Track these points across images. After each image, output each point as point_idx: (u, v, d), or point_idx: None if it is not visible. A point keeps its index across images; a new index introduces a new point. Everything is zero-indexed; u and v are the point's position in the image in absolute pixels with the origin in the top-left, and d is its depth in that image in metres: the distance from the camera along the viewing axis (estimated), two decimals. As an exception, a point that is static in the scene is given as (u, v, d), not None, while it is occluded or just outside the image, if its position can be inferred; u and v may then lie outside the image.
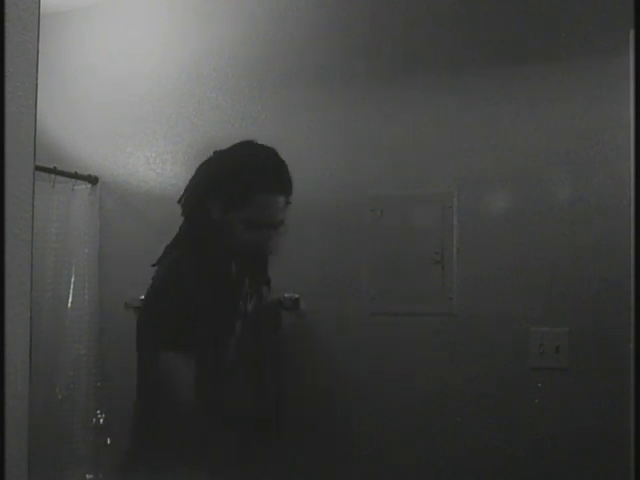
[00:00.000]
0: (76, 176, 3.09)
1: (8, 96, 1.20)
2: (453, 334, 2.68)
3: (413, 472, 2.67)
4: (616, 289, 2.41)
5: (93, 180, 3.14)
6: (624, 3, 1.77)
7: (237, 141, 2.43)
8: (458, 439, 2.63)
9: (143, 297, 2.29)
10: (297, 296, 2.73)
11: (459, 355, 2.66)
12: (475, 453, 2.60)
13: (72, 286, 3.09)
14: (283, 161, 2.27)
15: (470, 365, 2.64)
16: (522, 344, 2.60)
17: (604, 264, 2.49)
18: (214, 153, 2.31)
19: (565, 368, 2.56)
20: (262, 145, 2.29)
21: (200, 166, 2.33)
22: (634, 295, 2.05)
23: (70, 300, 3.08)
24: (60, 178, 3.04)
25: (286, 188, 2.26)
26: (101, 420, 3.04)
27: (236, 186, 2.19)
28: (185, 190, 2.34)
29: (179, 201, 2.34)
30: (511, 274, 2.62)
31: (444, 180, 2.72)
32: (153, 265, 2.28)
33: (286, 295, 2.71)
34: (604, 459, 2.42)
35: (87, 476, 3.03)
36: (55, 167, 2.97)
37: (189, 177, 3.05)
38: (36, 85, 1.27)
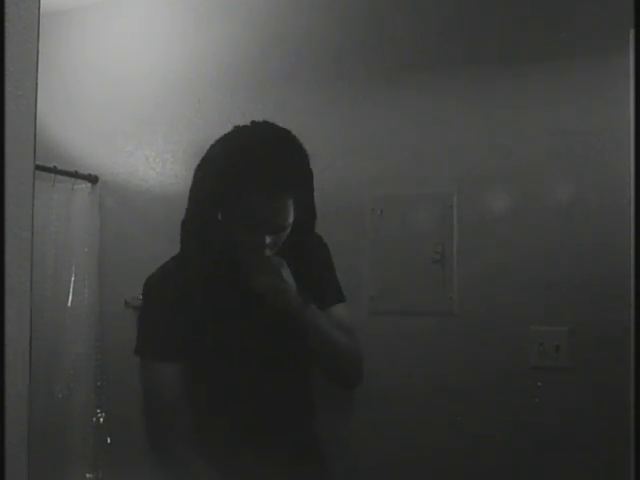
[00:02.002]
0: (76, 175, 3.09)
1: (8, 95, 1.20)
2: (453, 333, 2.68)
3: (412, 470, 2.67)
4: (616, 288, 2.41)
5: (93, 179, 3.14)
6: (624, 3, 1.77)
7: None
8: (458, 438, 2.63)
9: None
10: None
11: (459, 354, 2.66)
12: (475, 452, 2.61)
13: (72, 285, 3.09)
14: (289, 148, 1.91)
15: (470, 364, 2.64)
16: (522, 343, 2.60)
17: (604, 263, 2.49)
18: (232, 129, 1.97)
19: (565, 367, 2.56)
20: (267, 128, 1.95)
21: (210, 147, 1.96)
22: (634, 294, 2.04)
23: (70, 299, 3.08)
24: (60, 177, 3.04)
25: (284, 184, 1.86)
26: (101, 419, 3.04)
27: (222, 180, 1.87)
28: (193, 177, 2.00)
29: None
30: (511, 273, 2.62)
31: (444, 179, 2.72)
32: None
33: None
34: (604, 458, 2.42)
35: (87, 475, 3.03)
36: (55, 166, 2.97)
37: (189, 176, 3.06)
38: (36, 84, 1.27)
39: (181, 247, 2.02)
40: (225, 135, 1.95)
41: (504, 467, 2.58)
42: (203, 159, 1.95)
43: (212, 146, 1.95)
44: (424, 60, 2.77)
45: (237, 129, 1.96)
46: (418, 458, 2.66)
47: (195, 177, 1.97)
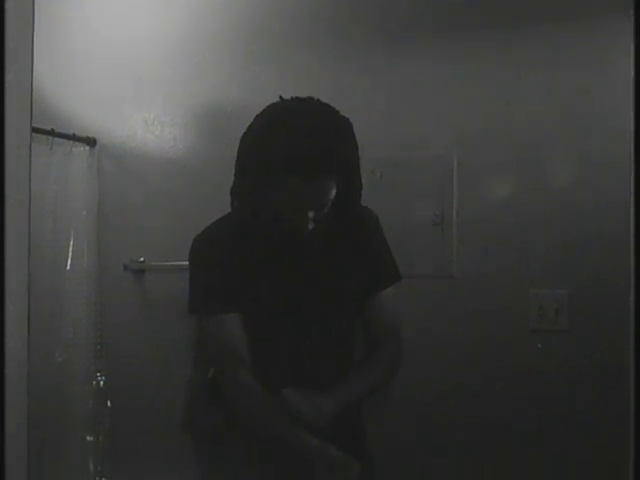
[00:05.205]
0: (74, 138, 3.07)
1: (6, 56, 1.19)
2: (452, 297, 2.69)
3: (411, 435, 2.69)
4: (615, 252, 2.41)
5: (91, 142, 3.12)
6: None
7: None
8: (457, 400, 2.64)
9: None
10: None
11: (458, 318, 2.66)
12: (474, 414, 2.62)
13: (71, 249, 3.08)
14: (327, 127, 1.86)
15: (470, 327, 2.65)
16: (521, 306, 2.60)
17: (604, 226, 2.48)
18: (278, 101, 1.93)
19: (564, 330, 2.57)
20: (307, 106, 1.90)
21: (256, 117, 1.92)
22: (634, 259, 2.04)
23: (69, 263, 3.07)
24: (58, 140, 3.02)
25: (321, 168, 1.79)
26: (101, 383, 3.05)
27: (262, 158, 1.84)
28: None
29: None
30: (510, 237, 2.62)
31: (444, 142, 2.71)
32: None
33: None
34: (602, 420, 2.43)
35: (87, 438, 3.05)
36: (53, 129, 2.95)
37: (187, 139, 3.05)
38: (32, 46, 1.26)
39: (232, 209, 2.01)
40: (271, 106, 1.91)
41: (503, 428, 2.60)
42: (248, 128, 1.92)
43: (257, 116, 1.91)
44: (424, 24, 2.74)
45: (282, 102, 1.92)
46: (416, 420, 2.68)
47: (239, 147, 1.94)
